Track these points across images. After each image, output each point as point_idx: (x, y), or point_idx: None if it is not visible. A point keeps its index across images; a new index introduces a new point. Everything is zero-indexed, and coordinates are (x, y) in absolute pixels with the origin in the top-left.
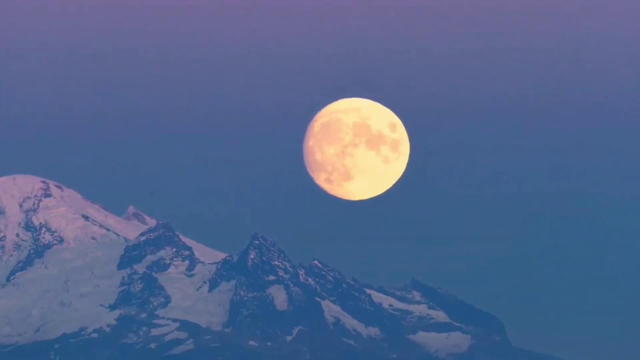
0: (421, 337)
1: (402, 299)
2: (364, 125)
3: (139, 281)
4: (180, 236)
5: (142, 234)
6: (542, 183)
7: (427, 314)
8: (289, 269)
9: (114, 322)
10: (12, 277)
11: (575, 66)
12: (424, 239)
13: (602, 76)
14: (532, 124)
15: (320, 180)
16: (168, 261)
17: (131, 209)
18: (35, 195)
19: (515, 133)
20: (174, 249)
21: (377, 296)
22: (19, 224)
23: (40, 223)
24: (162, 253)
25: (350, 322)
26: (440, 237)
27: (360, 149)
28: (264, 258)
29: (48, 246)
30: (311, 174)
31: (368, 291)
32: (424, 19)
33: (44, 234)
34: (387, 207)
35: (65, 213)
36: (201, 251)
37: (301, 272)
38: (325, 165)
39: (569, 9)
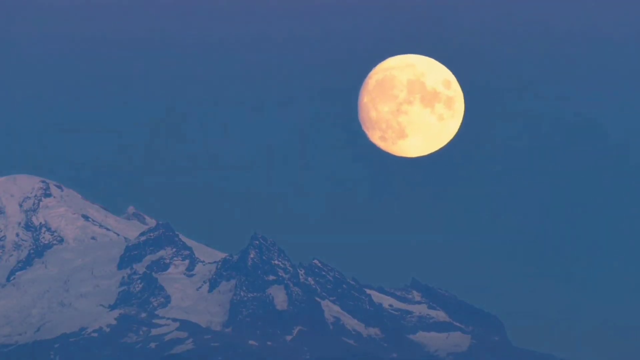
0: (421, 337)
1: (402, 299)
2: (418, 83)
3: (139, 281)
4: (180, 236)
5: (142, 234)
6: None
7: (427, 314)
8: (289, 268)
9: (114, 322)
10: (12, 277)
11: None
12: (424, 241)
13: None
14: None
15: (375, 138)
16: (168, 261)
17: (131, 209)
18: (35, 195)
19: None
20: (174, 249)
21: (377, 296)
22: (19, 223)
23: (40, 223)
24: (162, 253)
25: (350, 322)
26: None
27: (415, 107)
28: (263, 258)
29: (48, 246)
30: (366, 131)
31: (368, 291)
32: None
33: (44, 233)
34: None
35: (65, 213)
36: (201, 251)
37: (301, 271)
38: (380, 122)
39: None
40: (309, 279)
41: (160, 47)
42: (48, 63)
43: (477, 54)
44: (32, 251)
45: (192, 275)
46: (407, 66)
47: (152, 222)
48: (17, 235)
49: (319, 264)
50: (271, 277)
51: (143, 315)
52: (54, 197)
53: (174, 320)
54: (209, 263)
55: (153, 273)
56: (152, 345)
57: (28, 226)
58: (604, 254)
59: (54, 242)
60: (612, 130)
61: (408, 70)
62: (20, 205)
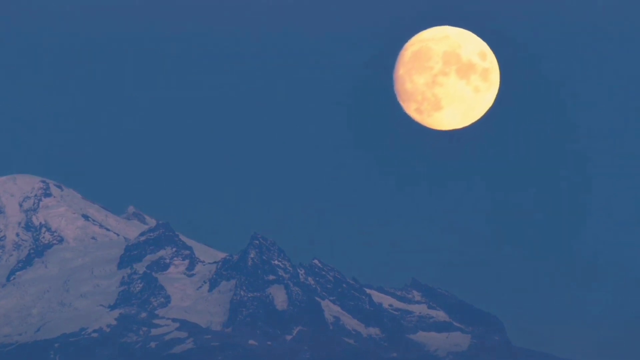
0: (421, 336)
1: (402, 299)
2: (454, 54)
3: (139, 281)
4: (180, 236)
5: (142, 234)
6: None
7: (427, 314)
8: (289, 268)
9: (114, 322)
10: (12, 277)
11: None
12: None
13: None
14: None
15: (411, 110)
16: (168, 261)
17: (131, 209)
18: (35, 195)
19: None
20: (174, 249)
21: (377, 296)
22: (19, 223)
23: (40, 223)
24: (162, 253)
25: (350, 322)
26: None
27: (450, 78)
28: (263, 257)
29: (48, 246)
30: (401, 103)
31: (368, 291)
32: None
33: (44, 233)
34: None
35: (65, 213)
36: (201, 251)
37: (301, 271)
38: (416, 94)
39: None
40: (309, 279)
41: (162, 47)
42: (47, 62)
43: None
44: (32, 251)
45: (192, 275)
46: (442, 38)
47: (152, 222)
48: (17, 235)
49: (319, 264)
50: (271, 277)
51: (143, 315)
52: (54, 197)
53: (174, 320)
54: (209, 263)
55: (153, 273)
56: (152, 345)
57: (28, 226)
58: (604, 254)
59: (54, 242)
60: None
61: (444, 42)
62: (20, 205)
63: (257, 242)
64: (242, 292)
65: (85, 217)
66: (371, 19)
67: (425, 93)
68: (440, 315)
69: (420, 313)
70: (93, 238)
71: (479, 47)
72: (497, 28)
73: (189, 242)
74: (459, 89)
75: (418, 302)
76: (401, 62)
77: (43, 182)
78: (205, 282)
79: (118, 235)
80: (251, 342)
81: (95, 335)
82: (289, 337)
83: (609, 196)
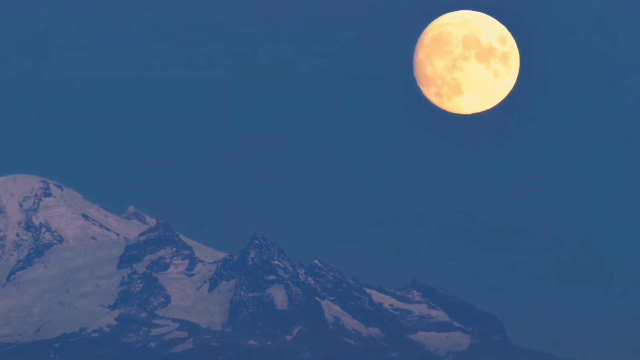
0: (421, 336)
1: (402, 299)
2: (473, 39)
3: (139, 281)
4: (180, 236)
5: (142, 234)
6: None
7: (427, 314)
8: (289, 268)
9: (114, 322)
10: (12, 277)
11: None
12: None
13: None
14: None
15: (430, 94)
16: (168, 261)
17: (131, 208)
18: (35, 195)
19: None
20: (174, 249)
21: (377, 296)
22: (19, 223)
23: (40, 223)
24: (162, 253)
25: (350, 322)
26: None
27: (470, 63)
28: (263, 257)
29: (48, 246)
30: (421, 87)
31: (368, 291)
32: None
33: (44, 233)
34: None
35: (65, 213)
36: (201, 251)
37: (301, 271)
38: (435, 78)
39: None
40: (309, 279)
41: (160, 42)
42: (47, 62)
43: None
44: (32, 251)
45: (192, 275)
46: (462, 22)
47: (152, 222)
48: (17, 235)
49: (319, 264)
50: (271, 277)
51: (143, 315)
52: (54, 197)
53: (174, 320)
54: (209, 263)
55: (153, 273)
56: (152, 345)
57: (28, 226)
58: (604, 254)
59: (54, 242)
60: None
61: (463, 26)
62: (20, 205)
63: (257, 242)
64: (242, 292)
65: (85, 217)
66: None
67: (445, 77)
68: (440, 315)
69: (420, 313)
70: (93, 238)
71: (499, 31)
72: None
73: (189, 242)
74: (478, 73)
75: (418, 302)
76: (421, 47)
77: (43, 182)
78: (205, 282)
79: (118, 235)
80: (251, 342)
81: (95, 335)
82: (289, 337)
83: (627, 193)
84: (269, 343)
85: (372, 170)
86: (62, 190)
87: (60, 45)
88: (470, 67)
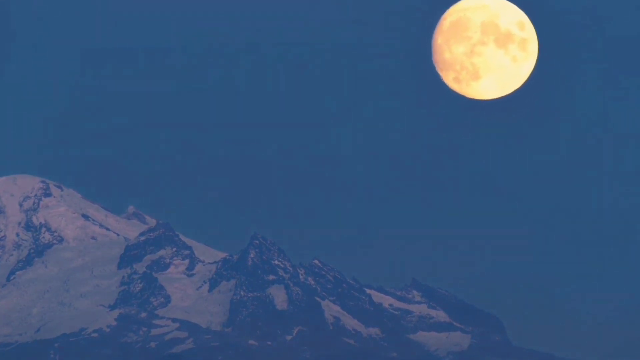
0: (421, 336)
1: (402, 299)
2: (492, 24)
3: (139, 281)
4: (180, 236)
5: (142, 234)
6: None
7: (427, 314)
8: (289, 268)
9: (114, 322)
10: (12, 277)
11: None
12: (426, 237)
13: None
14: None
15: (449, 79)
16: (168, 261)
17: (131, 208)
18: (35, 195)
19: None
20: (174, 249)
21: (377, 296)
22: (19, 223)
23: (40, 223)
24: (162, 253)
25: (350, 322)
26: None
27: (489, 48)
28: (263, 257)
29: (48, 246)
30: (439, 72)
31: (368, 291)
32: None
33: (44, 233)
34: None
35: (65, 213)
36: (201, 251)
37: (301, 271)
38: (454, 64)
39: None
40: (309, 279)
41: (160, 41)
42: (47, 62)
43: None
44: (32, 251)
45: (192, 275)
46: (481, 7)
47: (152, 222)
48: (17, 235)
49: (319, 264)
50: (271, 277)
51: (143, 315)
52: (54, 197)
53: (174, 320)
54: (209, 263)
55: (153, 273)
56: (152, 345)
57: (28, 226)
58: (604, 254)
59: (54, 242)
60: None
61: (482, 12)
62: (20, 205)
63: (257, 242)
64: (242, 292)
65: (85, 217)
66: None
67: (463, 62)
68: (440, 315)
69: (420, 313)
70: (93, 238)
71: (517, 17)
72: None
73: (189, 242)
74: (497, 58)
75: (418, 302)
76: (439, 32)
77: (43, 182)
78: (205, 282)
79: (118, 235)
80: (251, 342)
81: (95, 335)
82: (289, 337)
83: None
84: (269, 343)
85: (373, 169)
86: (62, 190)
87: (60, 45)
88: (488, 52)
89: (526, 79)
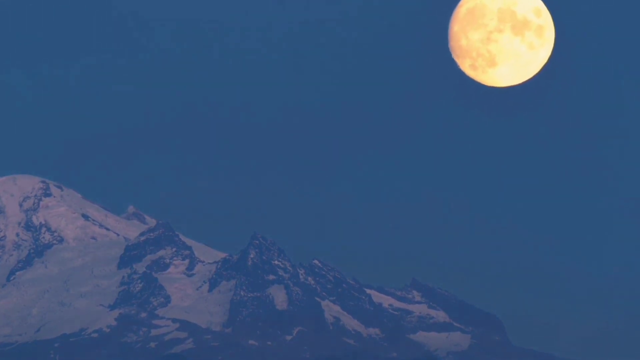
0: (421, 336)
1: (402, 299)
2: (508, 11)
3: (139, 281)
4: (180, 236)
5: (142, 234)
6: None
7: (427, 314)
8: (289, 268)
9: (114, 322)
10: (12, 277)
11: None
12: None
13: None
14: None
15: (465, 66)
16: (168, 261)
17: (131, 208)
18: (35, 195)
19: None
20: (174, 249)
21: (377, 296)
22: (19, 223)
23: (40, 223)
24: (162, 253)
25: (350, 322)
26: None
27: (505, 35)
28: (263, 258)
29: (48, 246)
30: (456, 59)
31: (368, 291)
32: None
33: (44, 233)
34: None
35: (65, 213)
36: (201, 251)
37: (301, 271)
38: (470, 51)
39: None
40: (309, 279)
41: (163, 45)
42: (47, 62)
43: None
44: (32, 251)
45: (192, 275)
46: None
47: (152, 221)
48: (17, 235)
49: (319, 264)
50: (271, 277)
51: (143, 315)
52: (54, 197)
53: (174, 320)
54: (209, 263)
55: (153, 273)
56: (152, 345)
57: (28, 226)
58: (605, 253)
59: (54, 242)
60: None
61: None
62: (20, 205)
63: (257, 242)
64: (242, 292)
65: (85, 217)
66: None
67: (480, 49)
68: (440, 315)
69: (420, 313)
70: (93, 238)
71: (534, 3)
72: None
73: (189, 242)
74: (513, 45)
75: (418, 302)
76: (456, 19)
77: (43, 182)
78: (205, 282)
79: (118, 235)
80: (251, 342)
81: (95, 335)
82: (289, 337)
83: None
84: (269, 343)
85: (373, 169)
86: (62, 190)
87: (60, 45)
88: (505, 39)
89: (542, 66)
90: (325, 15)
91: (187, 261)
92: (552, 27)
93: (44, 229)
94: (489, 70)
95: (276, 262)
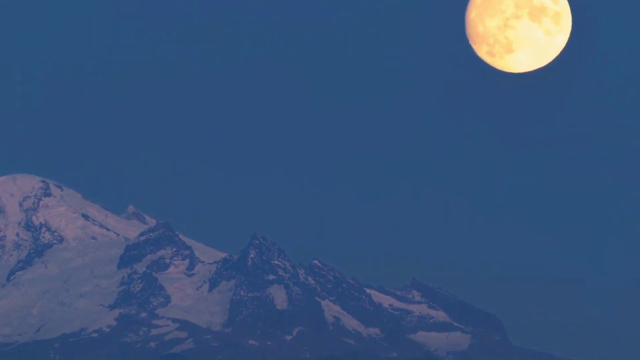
0: (421, 336)
1: (402, 299)
2: None
3: (139, 281)
4: (180, 236)
5: (142, 234)
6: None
7: (427, 314)
8: (289, 268)
9: (114, 322)
10: (12, 277)
11: None
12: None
13: None
14: None
15: (482, 52)
16: (168, 261)
17: (131, 208)
18: (35, 195)
19: None
20: (174, 249)
21: (377, 296)
22: (19, 223)
23: (40, 223)
24: (162, 253)
25: (350, 322)
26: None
27: (522, 21)
28: (263, 257)
29: (48, 246)
30: (473, 46)
31: (368, 291)
32: None
33: (44, 233)
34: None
35: (65, 213)
36: (201, 251)
37: (301, 271)
38: (487, 37)
39: None
40: (309, 278)
41: (159, 48)
42: (47, 63)
43: None
44: (32, 251)
45: (192, 275)
46: None
47: (152, 221)
48: (17, 235)
49: (319, 264)
50: (271, 277)
51: (143, 315)
52: (54, 197)
53: (174, 320)
54: (209, 263)
55: (153, 273)
56: (152, 345)
57: (28, 226)
58: (605, 254)
59: (54, 241)
60: None
61: None
62: (20, 205)
63: (257, 242)
64: (242, 292)
65: (85, 217)
66: None
67: (497, 36)
68: (440, 315)
69: (420, 313)
70: (93, 238)
71: None
72: None
73: (189, 242)
74: (530, 31)
75: (418, 302)
76: (473, 5)
77: (43, 182)
78: (205, 282)
79: (118, 235)
80: (251, 342)
81: (95, 335)
82: (289, 337)
83: None
84: (269, 343)
85: (373, 169)
86: (62, 190)
87: (59, 45)
88: (522, 26)
89: (559, 52)
90: (326, 14)
91: (187, 261)
92: (569, 13)
93: (44, 229)
94: (506, 56)
95: (276, 262)
